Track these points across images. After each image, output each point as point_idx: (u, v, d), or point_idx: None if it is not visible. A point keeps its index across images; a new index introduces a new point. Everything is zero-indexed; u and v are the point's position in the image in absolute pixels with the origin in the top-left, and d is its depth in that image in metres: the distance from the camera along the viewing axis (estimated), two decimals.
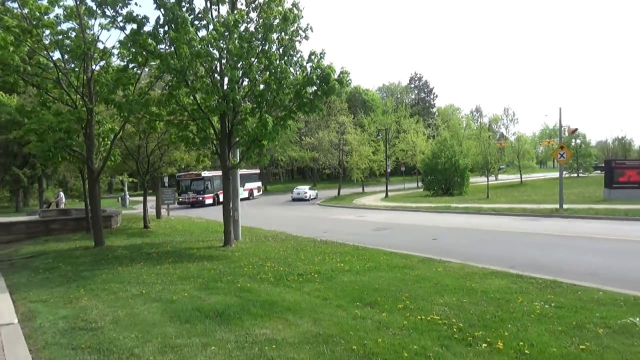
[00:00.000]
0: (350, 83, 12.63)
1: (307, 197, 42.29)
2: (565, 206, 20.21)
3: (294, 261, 9.94)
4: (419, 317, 5.55)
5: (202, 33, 11.84)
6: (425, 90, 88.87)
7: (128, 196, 42.01)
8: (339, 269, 8.88)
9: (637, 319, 5.21)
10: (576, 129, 24.87)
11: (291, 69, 12.17)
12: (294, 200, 42.19)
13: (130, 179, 34.49)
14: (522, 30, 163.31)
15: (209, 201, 37.76)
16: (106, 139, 14.74)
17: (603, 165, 37.89)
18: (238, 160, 13.96)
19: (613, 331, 4.91)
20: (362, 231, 16.53)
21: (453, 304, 6.13)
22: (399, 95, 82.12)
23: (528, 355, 4.30)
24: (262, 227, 18.62)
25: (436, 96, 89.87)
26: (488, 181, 37.49)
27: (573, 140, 55.65)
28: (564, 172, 22.76)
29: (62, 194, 32.84)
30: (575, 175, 57.65)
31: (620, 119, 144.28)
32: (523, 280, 7.46)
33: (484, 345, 4.60)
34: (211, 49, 11.67)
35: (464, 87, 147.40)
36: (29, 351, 4.87)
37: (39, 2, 12.34)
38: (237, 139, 12.86)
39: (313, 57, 12.11)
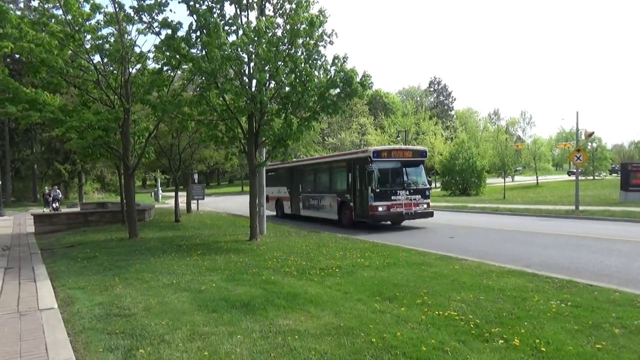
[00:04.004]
0: (372, 86, 12.70)
1: None
2: (581, 208, 20.15)
3: (316, 256, 10.08)
4: (436, 313, 5.59)
5: (232, 38, 12.15)
6: (444, 93, 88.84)
7: (160, 191, 43.03)
8: (359, 264, 8.98)
9: None
10: (592, 133, 24.81)
11: (315, 72, 12.33)
12: None
13: (163, 175, 35.58)
14: (540, 36, 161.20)
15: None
16: (141, 137, 15.26)
17: (619, 168, 37.57)
18: (264, 158, 14.21)
19: (629, 331, 4.86)
20: (381, 228, 16.62)
21: (470, 300, 6.14)
22: (418, 98, 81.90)
23: (544, 353, 4.30)
24: (285, 222, 18.88)
25: (454, 99, 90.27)
26: (505, 182, 37.52)
27: (589, 144, 55.08)
28: (580, 175, 22.82)
29: (57, 190, 29.36)
30: (591, 178, 57.03)
31: (637, 123, 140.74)
32: (539, 279, 7.40)
33: (501, 341, 4.61)
34: (241, 53, 11.95)
35: (482, 91, 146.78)
36: (67, 334, 5.06)
37: (82, 9, 12.92)
38: (264, 139, 13.15)
39: (336, 61, 12.32)
